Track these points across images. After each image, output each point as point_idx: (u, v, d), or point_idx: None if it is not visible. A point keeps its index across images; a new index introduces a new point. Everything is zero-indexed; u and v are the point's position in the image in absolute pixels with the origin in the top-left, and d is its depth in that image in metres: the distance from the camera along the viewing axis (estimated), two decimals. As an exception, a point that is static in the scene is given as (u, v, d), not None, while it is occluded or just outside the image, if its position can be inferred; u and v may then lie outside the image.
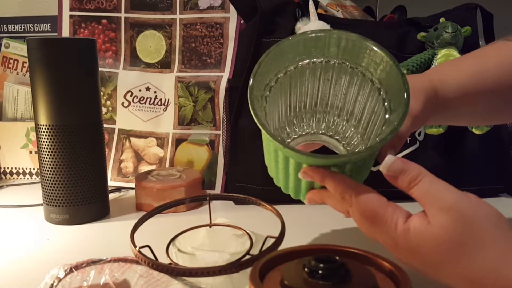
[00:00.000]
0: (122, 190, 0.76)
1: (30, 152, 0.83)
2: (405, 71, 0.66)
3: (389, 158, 0.35)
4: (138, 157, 0.79)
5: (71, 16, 0.81)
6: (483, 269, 0.30)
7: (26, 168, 0.84)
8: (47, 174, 0.58)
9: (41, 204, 0.61)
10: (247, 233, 0.46)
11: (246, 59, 0.67)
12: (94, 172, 0.60)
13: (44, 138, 0.57)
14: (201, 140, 0.77)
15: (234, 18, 0.78)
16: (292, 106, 0.46)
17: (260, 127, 0.37)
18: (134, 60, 0.81)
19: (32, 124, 0.73)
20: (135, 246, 0.41)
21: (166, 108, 0.79)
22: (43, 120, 0.57)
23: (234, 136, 0.68)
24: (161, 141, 0.79)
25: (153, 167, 0.78)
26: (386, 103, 0.41)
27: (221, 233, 0.49)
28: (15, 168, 0.84)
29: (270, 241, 0.41)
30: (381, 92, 0.42)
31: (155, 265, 0.38)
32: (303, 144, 0.48)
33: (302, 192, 0.42)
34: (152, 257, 0.40)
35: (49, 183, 0.58)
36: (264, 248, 0.41)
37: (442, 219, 0.31)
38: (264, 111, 0.41)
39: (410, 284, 0.27)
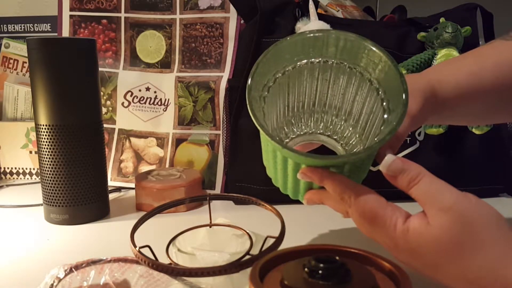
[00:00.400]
0: (122, 190, 0.76)
1: (30, 152, 0.83)
2: (405, 71, 0.66)
3: (388, 158, 0.35)
4: (138, 157, 0.79)
5: (71, 16, 0.81)
6: (482, 269, 0.30)
7: (26, 168, 0.84)
8: (47, 174, 0.58)
9: (41, 204, 0.61)
10: (247, 233, 0.46)
11: (246, 59, 0.67)
12: (94, 172, 0.60)
13: (44, 138, 0.57)
14: (201, 140, 0.77)
15: (234, 18, 0.78)
16: (291, 106, 0.46)
17: (259, 127, 0.37)
18: (134, 60, 0.81)
19: (32, 124, 0.73)
20: (135, 246, 0.41)
21: (166, 108, 0.79)
22: (43, 120, 0.57)
23: (234, 136, 0.68)
24: (161, 141, 0.79)
25: (153, 167, 0.78)
26: (384, 103, 0.41)
27: (221, 233, 0.49)
28: (15, 168, 0.84)
29: (270, 241, 0.41)
30: (380, 92, 0.42)
31: (155, 265, 0.38)
32: (301, 144, 0.48)
33: (300, 192, 0.42)
34: (152, 257, 0.40)
35: (49, 183, 0.58)
36: (264, 248, 0.41)
37: (441, 220, 0.31)
38: (263, 112, 0.41)
39: (410, 284, 0.27)
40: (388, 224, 0.33)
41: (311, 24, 0.67)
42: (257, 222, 0.53)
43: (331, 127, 0.47)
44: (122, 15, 0.81)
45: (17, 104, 0.86)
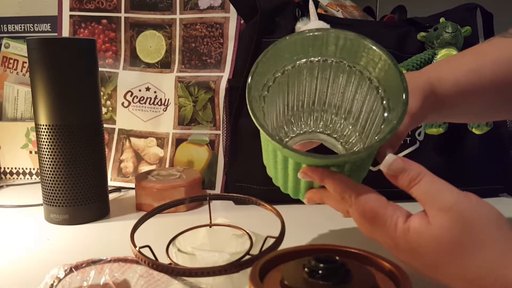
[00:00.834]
0: (122, 190, 0.76)
1: (30, 152, 0.83)
2: (404, 71, 0.66)
3: (389, 157, 0.35)
4: (138, 157, 0.79)
5: (71, 16, 0.81)
6: (482, 269, 0.30)
7: (26, 168, 0.84)
8: (47, 174, 0.58)
9: (41, 204, 0.61)
10: (247, 233, 0.46)
11: (246, 59, 0.67)
12: (94, 172, 0.60)
13: (44, 138, 0.57)
14: (201, 140, 0.77)
15: (234, 18, 0.78)
16: (290, 105, 0.46)
17: (259, 127, 0.37)
18: (134, 60, 0.81)
19: (32, 124, 0.73)
20: (135, 246, 0.41)
21: (166, 108, 0.79)
22: (43, 120, 0.57)
23: (234, 136, 0.68)
24: (161, 141, 0.79)
25: (153, 167, 0.78)
26: (384, 102, 0.41)
27: (221, 233, 0.49)
28: (15, 168, 0.84)
29: (270, 241, 0.41)
30: (380, 91, 0.42)
31: (155, 265, 0.38)
32: (301, 143, 0.48)
33: (301, 192, 0.42)
34: (152, 257, 0.40)
35: (49, 183, 0.58)
36: (264, 248, 0.41)
37: (442, 219, 0.31)
38: (263, 111, 0.41)
39: (410, 284, 0.27)
40: (388, 224, 0.33)
41: (311, 24, 0.67)
42: (257, 222, 0.53)
43: (330, 125, 0.47)
44: (122, 15, 0.81)
45: (17, 104, 0.86)
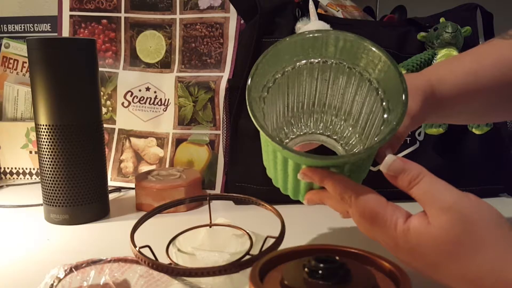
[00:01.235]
0: (122, 190, 0.76)
1: (30, 152, 0.83)
2: (404, 71, 0.66)
3: (389, 158, 0.35)
4: (138, 157, 0.79)
5: (71, 16, 0.81)
6: (482, 269, 0.30)
7: (26, 168, 0.84)
8: (47, 174, 0.58)
9: (41, 204, 0.61)
10: (247, 233, 0.46)
11: (246, 59, 0.67)
12: (94, 172, 0.60)
13: (44, 138, 0.57)
14: (201, 140, 0.77)
15: (234, 18, 0.78)
16: (290, 107, 0.46)
17: (259, 128, 0.37)
18: (134, 60, 0.81)
19: (32, 124, 0.73)
20: (135, 246, 0.41)
21: (166, 108, 0.79)
22: (43, 120, 0.57)
23: (234, 136, 0.68)
24: (161, 141, 0.79)
25: (153, 167, 0.78)
26: (384, 103, 0.41)
27: (221, 233, 0.49)
28: (15, 168, 0.84)
29: (270, 241, 0.41)
30: (379, 92, 0.42)
31: (155, 265, 0.38)
32: (300, 144, 0.48)
33: (301, 193, 0.42)
34: (152, 257, 0.40)
35: (49, 183, 0.58)
36: (264, 248, 0.41)
37: (441, 220, 0.31)
38: (263, 112, 0.41)
39: (410, 284, 0.27)
40: (388, 224, 0.33)
41: (311, 24, 0.67)
42: (257, 222, 0.53)
43: (330, 127, 0.47)
44: (122, 15, 0.81)
45: (17, 104, 0.86)
